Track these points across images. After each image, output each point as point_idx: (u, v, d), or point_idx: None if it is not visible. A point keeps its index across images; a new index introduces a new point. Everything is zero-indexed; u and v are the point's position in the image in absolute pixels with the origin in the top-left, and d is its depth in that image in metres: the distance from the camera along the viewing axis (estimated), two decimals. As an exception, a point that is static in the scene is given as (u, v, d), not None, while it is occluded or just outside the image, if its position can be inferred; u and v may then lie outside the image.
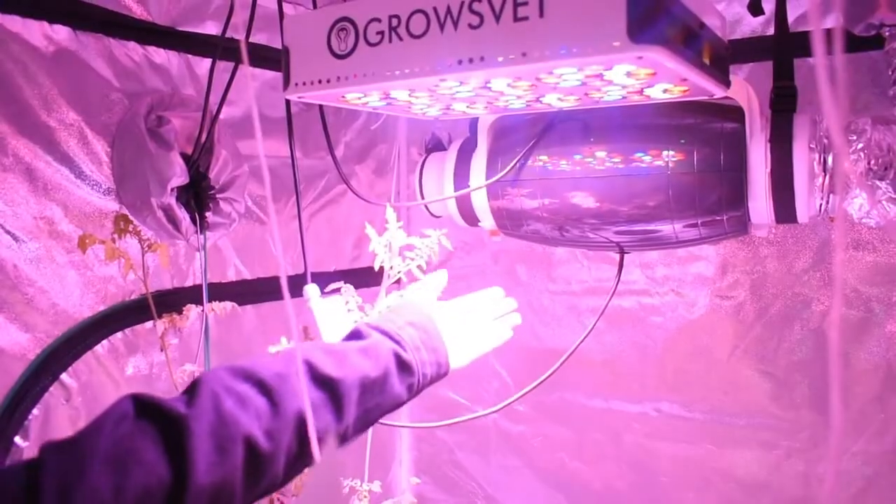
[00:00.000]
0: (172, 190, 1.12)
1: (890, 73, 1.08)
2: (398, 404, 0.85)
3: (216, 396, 0.68)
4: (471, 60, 0.67)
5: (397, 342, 0.85)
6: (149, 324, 1.19)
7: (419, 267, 1.09)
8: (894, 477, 1.36)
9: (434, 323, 0.91)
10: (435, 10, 0.69)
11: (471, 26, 0.67)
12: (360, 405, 0.79)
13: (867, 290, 1.37)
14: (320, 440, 0.74)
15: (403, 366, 0.84)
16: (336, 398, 0.76)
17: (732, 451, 1.50)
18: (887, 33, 1.06)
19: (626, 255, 1.19)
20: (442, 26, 0.68)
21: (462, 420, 1.18)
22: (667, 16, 0.62)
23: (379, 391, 0.81)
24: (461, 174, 1.17)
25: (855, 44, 1.16)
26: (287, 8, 1.42)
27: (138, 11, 1.18)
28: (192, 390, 0.70)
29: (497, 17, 0.65)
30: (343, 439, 0.79)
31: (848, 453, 1.40)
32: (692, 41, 0.69)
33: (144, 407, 0.66)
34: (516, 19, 0.64)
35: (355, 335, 0.86)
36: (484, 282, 1.70)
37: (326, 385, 0.76)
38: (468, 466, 1.80)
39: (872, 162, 0.94)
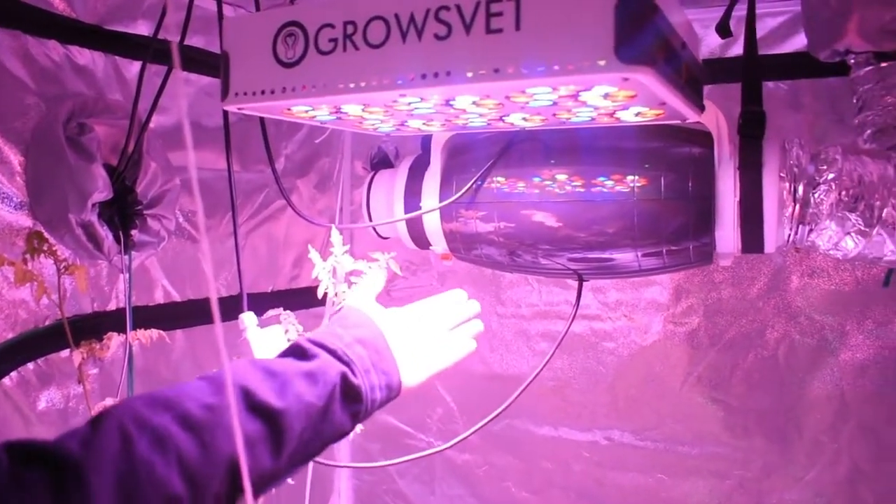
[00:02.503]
0: (94, 206, 1.02)
1: (855, 100, 1.05)
2: (341, 435, 0.75)
3: (126, 435, 0.56)
4: (436, 75, 0.60)
5: (346, 363, 0.74)
6: (65, 352, 1.08)
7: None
8: (847, 508, 1.34)
9: (385, 339, 0.80)
10: (396, 17, 0.61)
11: (437, 37, 0.60)
12: (300, 438, 0.68)
13: (821, 318, 1.35)
14: (255, 483, 0.64)
15: (351, 392, 0.73)
16: (276, 432, 0.66)
17: (684, 481, 1.47)
18: (852, 61, 1.04)
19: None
20: (404, 36, 0.61)
21: (409, 459, 1.10)
22: (656, 34, 0.56)
23: (321, 421, 0.71)
24: (412, 194, 1.09)
25: (817, 70, 1.14)
26: (227, 9, 1.33)
27: (61, 7, 1.08)
28: (96, 424, 0.57)
29: (467, 28, 0.58)
30: (278, 478, 0.69)
31: (801, 482, 1.38)
32: (676, 63, 0.63)
33: (24, 454, 0.52)
34: (489, 31, 0.57)
35: (297, 352, 0.75)
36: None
37: (265, 416, 0.66)
38: (411, 496, 1.72)
39: (843, 193, 0.90)
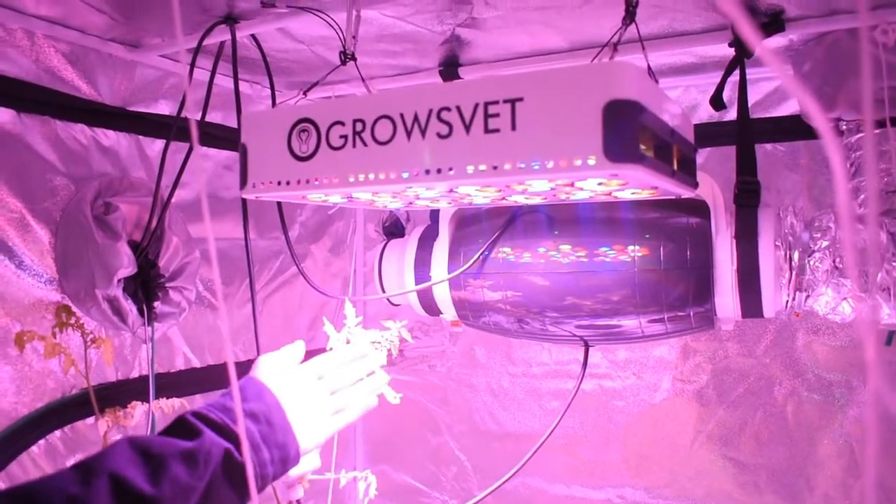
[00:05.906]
0: (119, 281, 1.06)
1: (849, 165, 1.09)
2: None
3: None
4: (438, 171, 0.65)
5: (232, 442, 0.71)
6: (90, 420, 1.12)
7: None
8: (861, 566, 1.34)
9: (280, 409, 0.77)
10: (402, 116, 0.66)
11: (439, 136, 0.64)
12: None
13: (828, 374, 1.37)
14: None
15: (237, 470, 0.70)
16: None
17: (697, 539, 1.47)
18: (844, 127, 1.08)
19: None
20: (409, 134, 0.66)
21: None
22: (643, 131, 0.60)
23: (204, 503, 0.67)
24: (422, 264, 1.14)
25: (813, 131, 1.18)
26: (244, 86, 1.40)
27: (87, 92, 1.14)
28: None
29: (467, 128, 0.63)
30: None
31: (813, 541, 1.38)
32: (665, 152, 0.67)
33: None
34: (487, 131, 0.62)
35: (181, 428, 0.71)
36: (443, 362, 1.67)
37: None
38: (426, 555, 1.73)
39: (838, 260, 0.94)
